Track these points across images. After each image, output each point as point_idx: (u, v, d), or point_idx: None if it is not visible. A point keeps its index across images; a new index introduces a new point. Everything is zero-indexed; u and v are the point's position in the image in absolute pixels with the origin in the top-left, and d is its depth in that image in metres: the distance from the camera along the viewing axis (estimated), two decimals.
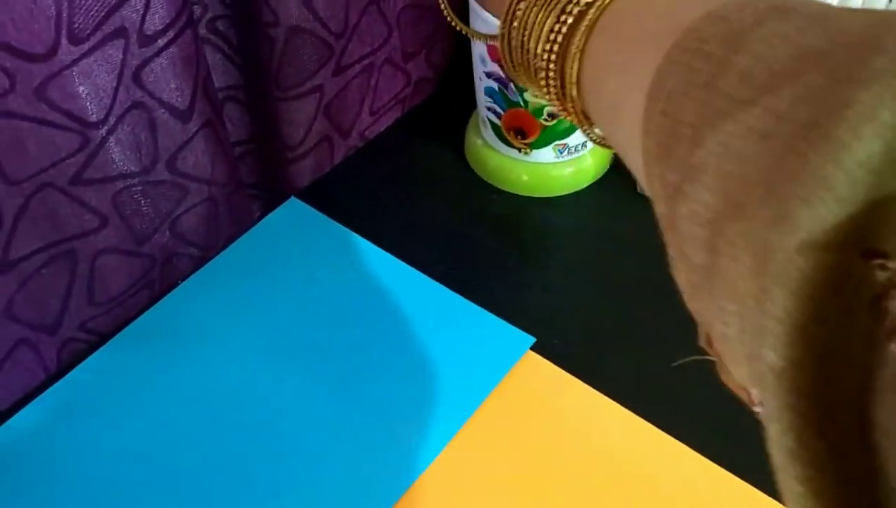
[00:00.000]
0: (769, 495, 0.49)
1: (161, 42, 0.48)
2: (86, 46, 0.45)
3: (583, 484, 0.50)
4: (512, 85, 0.59)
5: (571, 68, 0.33)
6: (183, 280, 0.60)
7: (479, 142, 0.66)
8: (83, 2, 0.43)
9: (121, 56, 0.47)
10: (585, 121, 0.35)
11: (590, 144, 0.64)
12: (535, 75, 0.35)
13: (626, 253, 0.62)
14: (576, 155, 0.64)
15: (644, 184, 0.29)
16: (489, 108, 0.62)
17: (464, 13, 0.58)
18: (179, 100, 0.52)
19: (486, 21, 0.56)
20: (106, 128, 0.49)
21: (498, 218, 0.65)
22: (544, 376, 0.54)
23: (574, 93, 0.34)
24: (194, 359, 0.56)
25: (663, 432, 0.52)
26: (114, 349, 0.56)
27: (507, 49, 0.37)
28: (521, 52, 0.36)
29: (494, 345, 0.56)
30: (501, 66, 0.58)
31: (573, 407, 0.53)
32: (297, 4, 0.55)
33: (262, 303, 0.58)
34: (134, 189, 0.53)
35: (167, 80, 0.50)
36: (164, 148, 0.53)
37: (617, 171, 0.67)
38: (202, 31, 0.55)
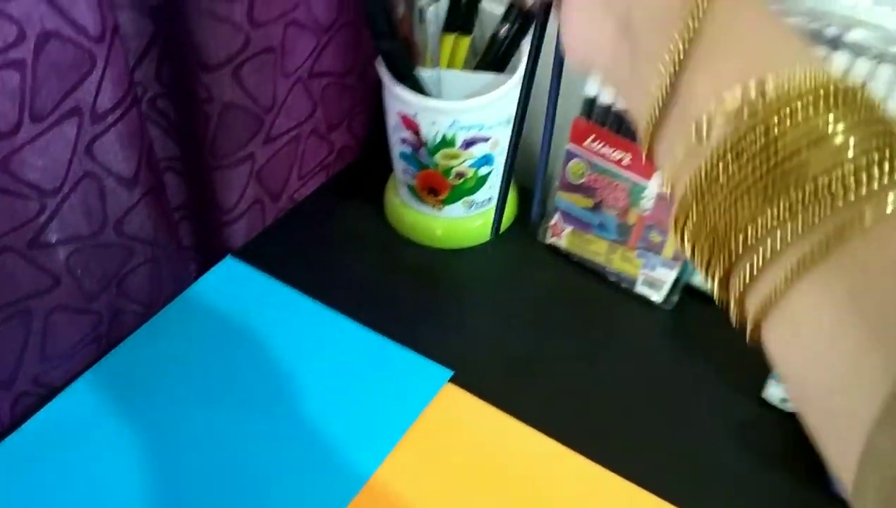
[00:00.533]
0: None
1: (110, 119, 0.55)
2: (44, 124, 0.51)
3: (502, 503, 0.56)
4: (423, 149, 0.67)
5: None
6: (129, 334, 0.65)
7: (397, 201, 0.74)
8: (44, 85, 0.50)
9: (75, 131, 0.53)
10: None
11: (494, 199, 0.72)
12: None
13: (530, 294, 0.70)
14: (483, 208, 0.72)
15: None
16: (404, 171, 0.70)
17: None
18: (126, 169, 0.58)
19: (398, 97, 0.64)
20: (60, 195, 0.54)
21: (417, 268, 0.72)
22: (463, 405, 0.61)
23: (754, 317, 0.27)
24: (140, 409, 0.61)
25: (575, 451, 0.59)
26: (64, 401, 0.61)
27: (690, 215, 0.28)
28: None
29: (416, 379, 0.62)
30: (415, 133, 0.67)
31: (490, 431, 0.60)
32: (231, 83, 0.62)
33: (203, 354, 0.64)
34: (85, 251, 0.58)
35: (115, 152, 0.57)
36: (112, 213, 0.59)
37: (520, 223, 0.75)
38: (144, 108, 0.62)
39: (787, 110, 0.25)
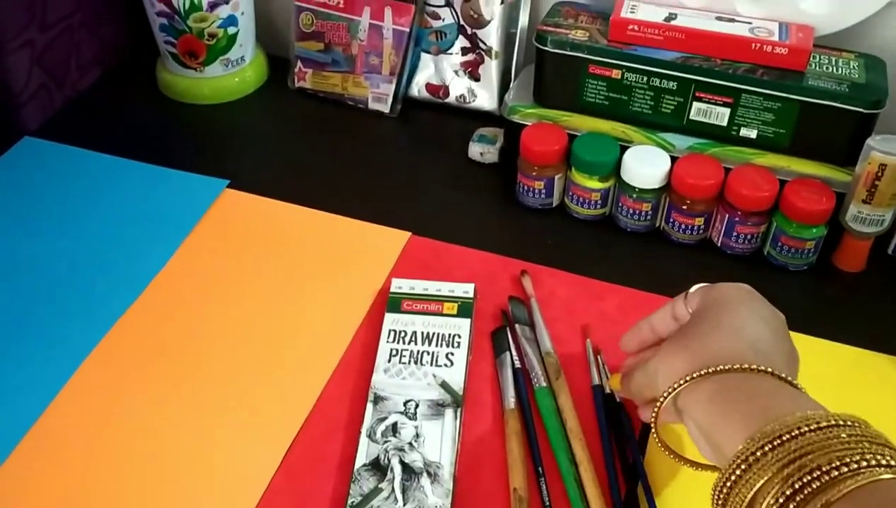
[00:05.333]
0: None
1: None
2: None
3: (296, 274, 0.72)
4: (177, 17, 0.82)
5: None
6: None
7: (166, 73, 0.89)
8: None
9: None
10: None
11: (249, 56, 0.89)
12: None
13: (288, 125, 0.87)
14: (238, 67, 0.88)
15: None
16: (165, 41, 0.85)
17: None
18: None
19: None
20: None
21: (192, 122, 0.87)
22: (242, 203, 0.77)
23: None
24: None
25: (355, 219, 0.76)
26: None
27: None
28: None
29: (197, 191, 0.77)
30: (167, 4, 0.80)
31: (269, 217, 0.75)
32: None
33: (11, 211, 0.76)
34: None
35: None
36: None
37: (270, 82, 0.92)
38: None
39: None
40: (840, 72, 0.69)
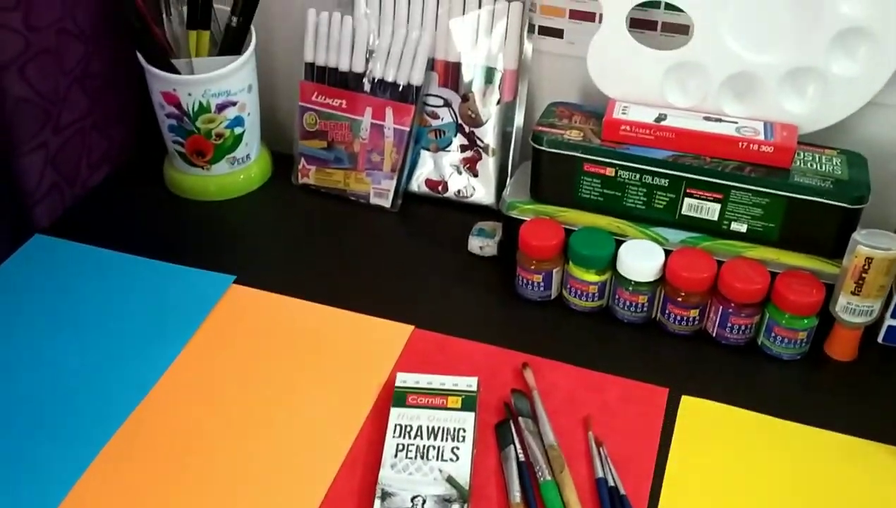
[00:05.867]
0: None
1: None
2: None
3: (302, 368, 0.73)
4: (185, 118, 0.85)
5: None
6: None
7: (173, 170, 0.91)
8: None
9: None
10: None
11: (254, 154, 0.92)
12: None
13: (292, 220, 0.90)
14: (244, 165, 0.91)
15: None
16: (174, 141, 0.88)
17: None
18: None
19: (159, 78, 0.82)
20: None
21: (198, 218, 0.89)
22: (248, 298, 0.79)
23: None
24: None
25: (352, 311, 0.78)
26: None
27: None
28: None
29: (203, 287, 0.79)
30: (177, 106, 0.84)
31: (276, 311, 0.77)
32: (18, 80, 0.78)
33: (27, 309, 0.78)
34: None
35: None
36: None
37: (275, 177, 0.94)
38: None
39: None
40: (824, 168, 0.72)
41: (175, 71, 0.84)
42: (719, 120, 0.75)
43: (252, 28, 0.88)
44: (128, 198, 0.92)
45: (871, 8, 0.69)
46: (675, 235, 0.75)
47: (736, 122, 0.75)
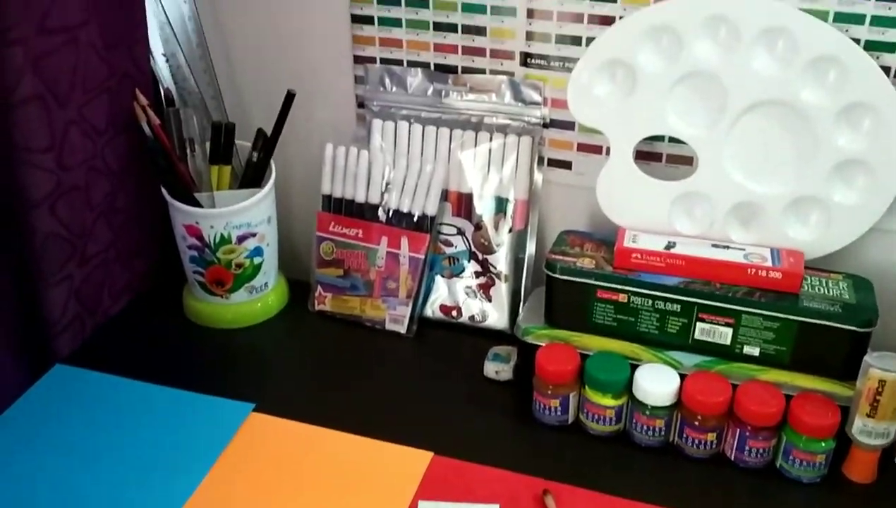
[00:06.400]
0: None
1: None
2: None
3: (324, 497, 0.73)
4: (207, 250, 0.88)
5: None
6: None
7: (193, 300, 0.93)
8: None
9: None
10: None
11: (272, 283, 0.94)
12: None
13: (309, 346, 0.91)
14: (262, 293, 0.93)
15: None
16: (194, 272, 0.90)
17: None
18: None
19: (182, 212, 0.85)
20: None
21: (217, 346, 0.91)
22: (269, 426, 0.79)
23: None
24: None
25: (374, 438, 0.78)
26: None
27: None
28: None
29: (223, 415, 0.80)
30: (199, 238, 0.87)
31: (297, 439, 0.78)
32: (49, 216, 0.81)
33: (47, 436, 0.79)
34: None
35: None
36: None
37: (291, 304, 0.96)
38: None
39: None
40: (832, 293, 0.74)
41: (198, 204, 0.87)
42: (727, 247, 0.78)
43: (272, 162, 0.91)
44: (147, 326, 0.94)
45: (866, 141, 0.73)
46: (689, 359, 0.76)
47: (743, 249, 0.77)
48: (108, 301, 0.93)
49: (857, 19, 0.72)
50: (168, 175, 0.87)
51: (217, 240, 0.87)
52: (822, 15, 0.72)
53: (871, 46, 0.72)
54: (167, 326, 0.94)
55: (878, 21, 0.72)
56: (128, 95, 0.87)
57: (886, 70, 0.72)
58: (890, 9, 0.71)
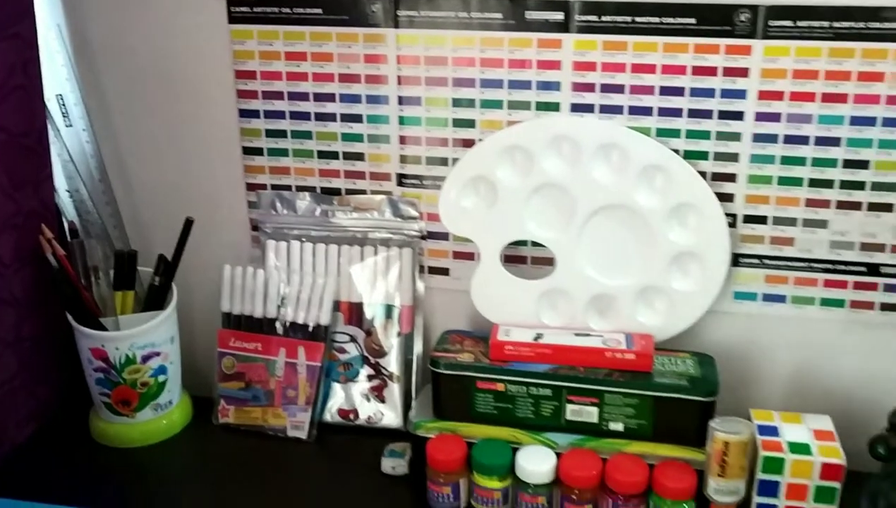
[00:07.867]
0: None
1: None
2: None
3: None
4: (113, 371, 0.92)
5: None
6: None
7: (99, 421, 0.97)
8: None
9: None
10: None
11: (175, 400, 0.98)
12: None
13: (213, 461, 0.95)
14: (166, 410, 0.98)
15: None
16: (101, 393, 0.95)
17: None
18: None
19: (88, 336, 0.90)
20: None
21: (122, 466, 0.94)
22: None
23: None
24: None
25: None
26: None
27: None
28: None
29: None
30: (104, 360, 0.92)
31: None
32: None
33: None
34: None
35: None
36: None
37: (195, 420, 1.01)
38: None
39: None
40: (679, 369, 0.84)
41: (103, 328, 0.92)
42: (587, 334, 0.88)
43: (173, 285, 0.98)
44: (54, 452, 0.97)
45: (694, 235, 0.85)
46: (563, 438, 0.84)
47: (602, 336, 0.87)
48: (14, 430, 0.96)
49: (674, 133, 0.85)
50: (74, 302, 0.92)
51: (122, 360, 0.92)
52: (645, 131, 0.85)
53: (689, 155, 0.85)
54: (74, 450, 0.97)
55: (691, 134, 0.85)
56: (34, 230, 0.93)
57: (703, 174, 0.85)
58: (700, 123, 0.84)
